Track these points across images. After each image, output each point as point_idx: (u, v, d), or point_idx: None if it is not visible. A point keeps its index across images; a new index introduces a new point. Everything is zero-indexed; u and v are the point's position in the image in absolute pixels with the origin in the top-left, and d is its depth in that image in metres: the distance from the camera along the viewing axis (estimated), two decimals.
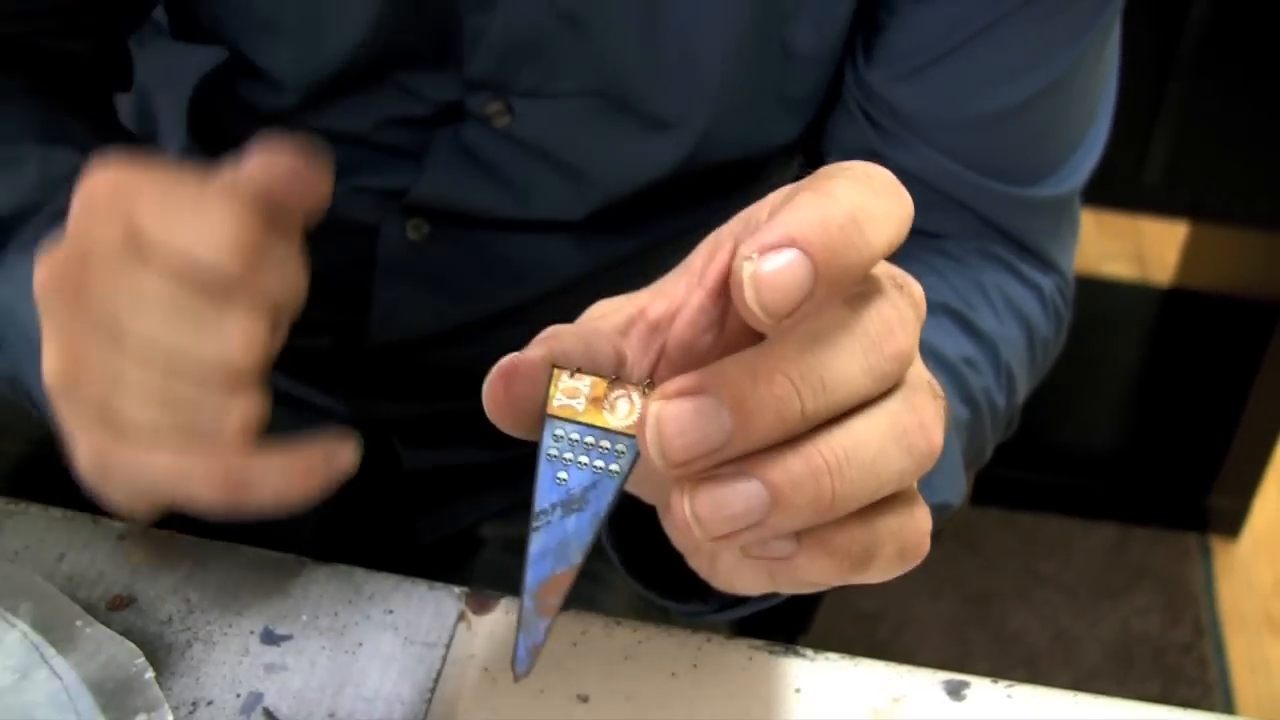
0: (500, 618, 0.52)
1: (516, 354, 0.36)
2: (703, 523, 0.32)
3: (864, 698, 0.51)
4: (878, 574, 0.35)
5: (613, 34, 0.59)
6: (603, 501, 0.34)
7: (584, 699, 0.50)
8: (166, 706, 0.46)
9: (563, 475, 0.34)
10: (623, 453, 0.34)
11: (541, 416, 0.34)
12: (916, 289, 0.35)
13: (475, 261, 0.68)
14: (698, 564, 0.41)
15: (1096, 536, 1.73)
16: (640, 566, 0.49)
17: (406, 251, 0.67)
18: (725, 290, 0.35)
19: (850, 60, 0.62)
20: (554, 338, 0.36)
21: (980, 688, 0.52)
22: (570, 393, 0.34)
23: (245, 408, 0.37)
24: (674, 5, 0.58)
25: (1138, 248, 2.07)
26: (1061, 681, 0.52)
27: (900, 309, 0.33)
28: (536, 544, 0.34)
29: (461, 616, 0.52)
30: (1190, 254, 1.94)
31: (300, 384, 0.68)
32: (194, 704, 0.49)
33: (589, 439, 0.34)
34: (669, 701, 0.50)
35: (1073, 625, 1.63)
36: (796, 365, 0.31)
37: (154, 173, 0.37)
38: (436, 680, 0.50)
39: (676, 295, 0.38)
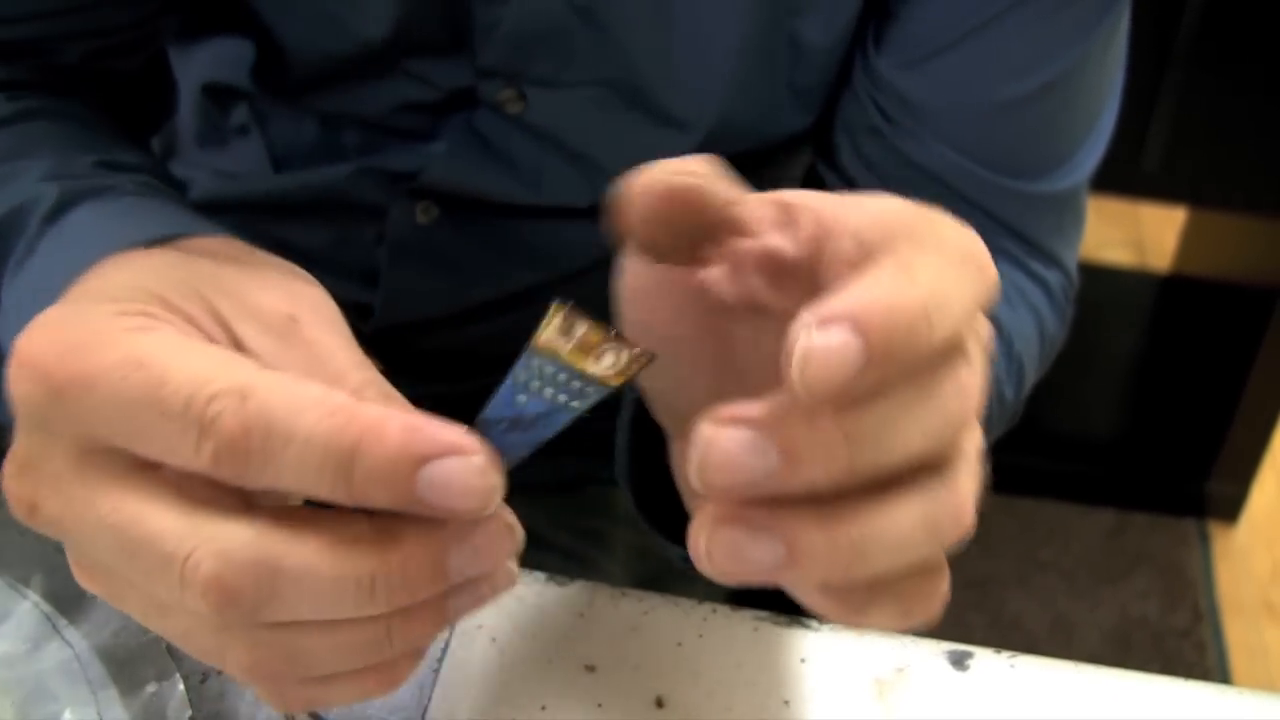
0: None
1: (668, 171, 0.36)
2: (713, 561, 0.31)
3: (868, 668, 0.51)
4: (875, 623, 0.34)
5: (624, 26, 0.59)
6: (550, 430, 0.34)
7: (590, 669, 0.50)
8: (178, 675, 0.46)
9: (522, 399, 0.33)
10: (589, 395, 0.33)
11: (525, 345, 0.34)
12: (986, 331, 0.34)
13: (484, 246, 0.68)
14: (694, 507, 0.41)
15: (1095, 522, 1.74)
16: (651, 509, 0.49)
17: (415, 234, 0.67)
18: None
19: (860, 48, 0.62)
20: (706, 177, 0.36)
21: (983, 658, 0.52)
22: (563, 329, 0.33)
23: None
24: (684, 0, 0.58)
25: (1136, 234, 2.08)
26: None
27: (975, 369, 0.32)
28: None
29: None
30: (1188, 240, 1.94)
31: None
32: (204, 674, 0.49)
33: (561, 377, 0.33)
34: (675, 671, 0.50)
35: (1071, 610, 1.64)
36: (856, 421, 0.30)
37: (103, 342, 0.32)
38: (444, 650, 0.51)
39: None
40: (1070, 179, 0.65)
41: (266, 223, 0.71)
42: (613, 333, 0.34)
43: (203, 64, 0.68)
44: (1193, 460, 1.72)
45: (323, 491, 0.31)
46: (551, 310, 0.34)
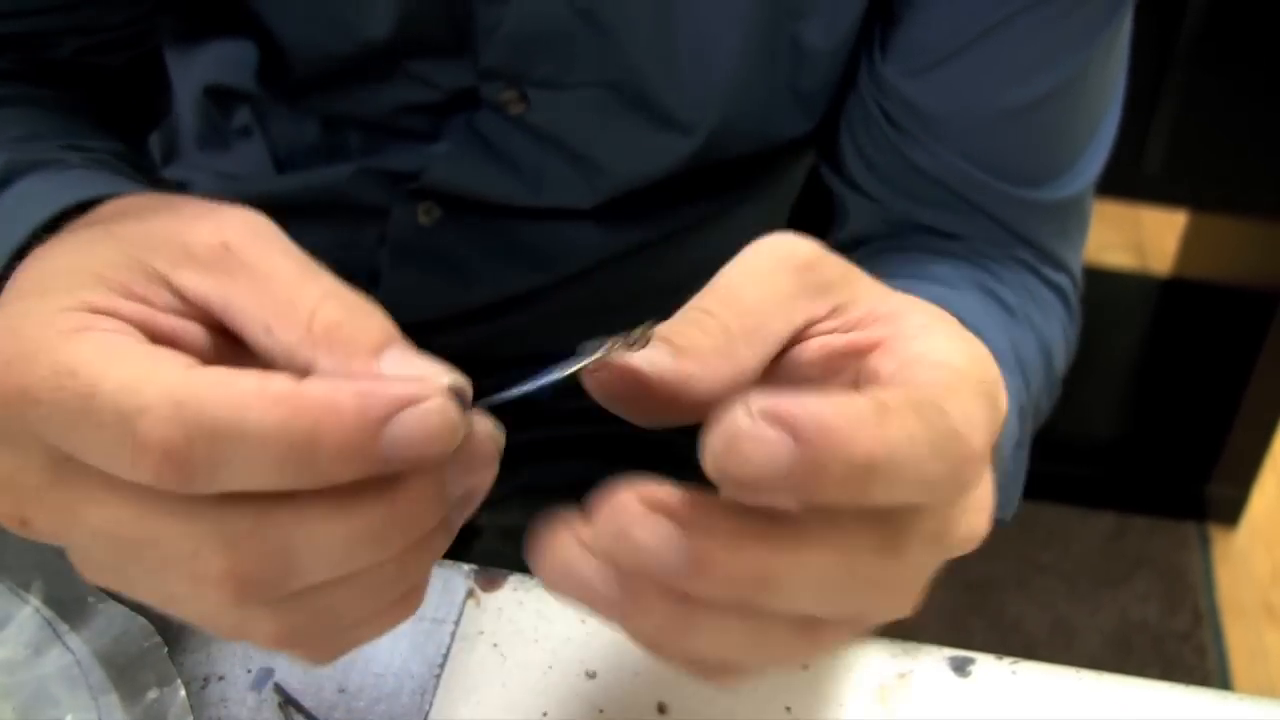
0: (509, 595, 0.53)
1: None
2: (551, 573, 0.32)
3: (871, 674, 0.51)
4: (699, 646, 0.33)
5: (626, 29, 0.59)
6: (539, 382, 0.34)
7: (592, 675, 0.50)
8: (179, 681, 0.46)
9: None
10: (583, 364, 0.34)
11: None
12: (969, 529, 0.34)
13: (485, 247, 0.69)
14: None
15: (1095, 525, 1.74)
16: None
17: (417, 235, 0.67)
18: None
19: (866, 55, 0.62)
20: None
21: (985, 665, 0.52)
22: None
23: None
24: (686, 2, 0.58)
25: (1137, 237, 2.08)
26: None
27: (921, 559, 0.32)
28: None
29: (470, 593, 0.53)
30: (1189, 244, 1.94)
31: None
32: (205, 679, 0.49)
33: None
34: (677, 678, 0.50)
35: (1072, 613, 1.64)
36: (774, 564, 0.30)
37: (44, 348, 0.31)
38: (446, 656, 0.51)
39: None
40: (1075, 185, 0.65)
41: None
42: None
43: (204, 66, 0.68)
44: (1193, 463, 1.72)
45: (286, 483, 0.30)
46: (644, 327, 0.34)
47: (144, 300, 0.34)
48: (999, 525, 0.52)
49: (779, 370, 0.36)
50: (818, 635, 0.32)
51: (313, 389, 0.30)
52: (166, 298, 0.34)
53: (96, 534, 0.31)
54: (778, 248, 0.36)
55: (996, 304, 0.61)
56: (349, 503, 0.31)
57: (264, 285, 0.34)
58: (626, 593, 0.31)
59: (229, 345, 0.34)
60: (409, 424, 0.30)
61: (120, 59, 0.62)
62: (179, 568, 0.31)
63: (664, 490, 0.30)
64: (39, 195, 0.45)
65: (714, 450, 0.28)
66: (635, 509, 0.30)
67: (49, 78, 0.58)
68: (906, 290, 0.47)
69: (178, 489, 0.30)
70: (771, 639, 0.32)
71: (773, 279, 0.35)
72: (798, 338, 0.36)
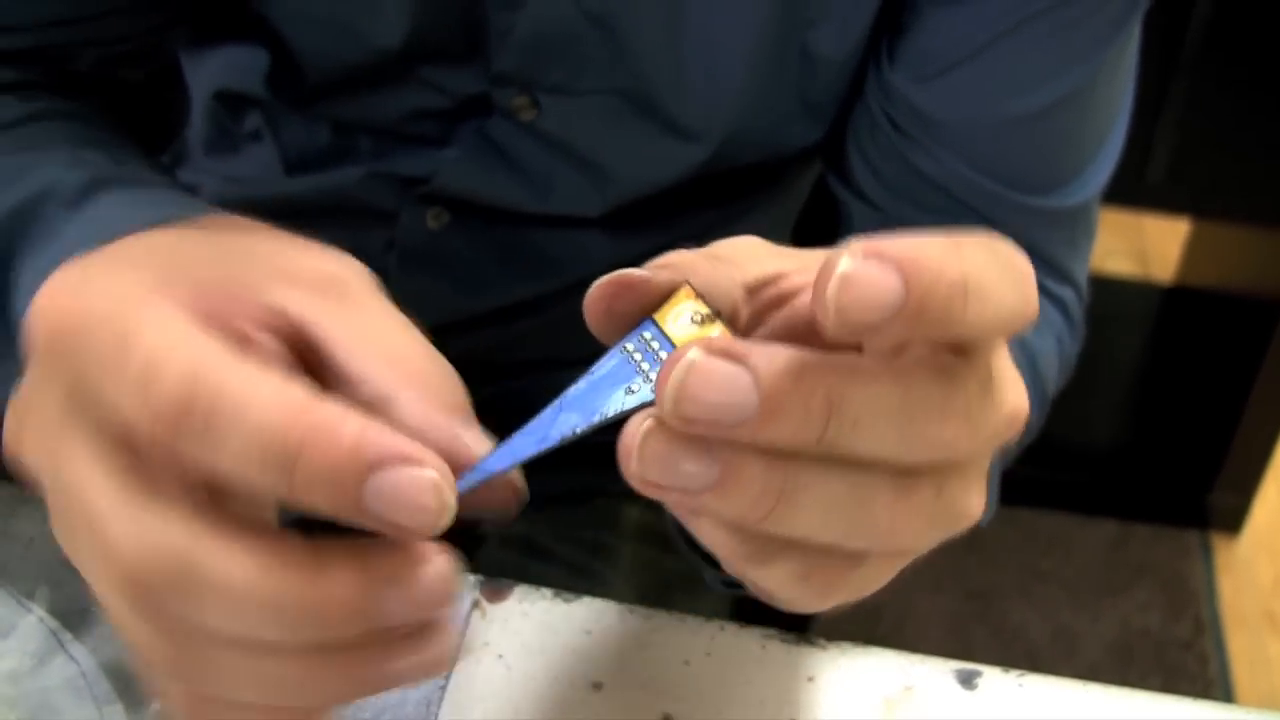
0: (514, 606, 0.53)
1: (637, 271, 0.34)
2: (642, 462, 0.30)
3: (876, 687, 0.51)
4: (766, 581, 0.33)
5: (637, 36, 0.59)
6: (604, 399, 0.33)
7: (597, 686, 0.50)
8: None
9: (634, 386, 0.33)
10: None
11: (640, 318, 0.34)
12: (1012, 402, 0.33)
13: (494, 253, 0.68)
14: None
15: (1097, 533, 1.74)
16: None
17: (426, 240, 0.67)
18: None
19: (874, 62, 0.62)
20: (681, 269, 0.35)
21: (991, 677, 0.52)
22: (684, 312, 0.33)
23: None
24: (697, 10, 0.58)
25: (1140, 245, 2.08)
26: (1063, 676, 0.53)
27: (971, 409, 0.31)
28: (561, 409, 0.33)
29: (476, 605, 0.53)
30: (1192, 251, 1.94)
31: None
32: None
33: (663, 354, 0.33)
34: (682, 690, 0.50)
35: (1073, 621, 1.64)
36: (843, 392, 0.29)
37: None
38: (451, 668, 0.50)
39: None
40: (1082, 194, 0.65)
41: (275, 226, 0.72)
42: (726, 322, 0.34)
43: (215, 71, 0.68)
44: (1195, 471, 1.72)
45: (263, 482, 0.30)
46: (681, 292, 0.34)
47: (231, 300, 0.35)
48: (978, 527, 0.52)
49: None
50: (913, 497, 0.32)
51: (324, 409, 0.30)
52: (255, 309, 0.35)
53: (57, 481, 0.32)
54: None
55: None
56: (272, 562, 0.30)
57: (366, 317, 0.35)
58: (716, 465, 0.30)
59: (305, 368, 0.35)
60: (399, 480, 0.30)
61: (140, 71, 0.62)
62: (94, 541, 0.31)
63: (726, 340, 0.30)
64: (133, 209, 0.46)
65: (828, 296, 0.28)
66: (698, 356, 0.29)
67: (71, 90, 0.58)
68: None
69: (169, 447, 0.30)
70: (871, 500, 0.31)
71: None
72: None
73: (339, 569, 0.31)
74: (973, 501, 0.33)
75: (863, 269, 0.28)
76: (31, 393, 0.34)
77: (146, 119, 0.64)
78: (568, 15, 0.58)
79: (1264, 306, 1.61)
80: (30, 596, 0.49)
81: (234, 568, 0.30)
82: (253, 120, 0.69)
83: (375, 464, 0.30)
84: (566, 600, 0.53)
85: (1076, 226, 0.66)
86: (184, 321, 0.32)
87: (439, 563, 0.31)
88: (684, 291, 0.34)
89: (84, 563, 0.33)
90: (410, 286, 0.70)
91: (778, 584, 0.33)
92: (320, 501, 0.30)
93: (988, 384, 0.32)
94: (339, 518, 0.30)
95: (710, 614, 0.53)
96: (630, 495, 0.80)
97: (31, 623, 0.48)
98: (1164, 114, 1.44)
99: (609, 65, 0.60)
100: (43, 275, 0.44)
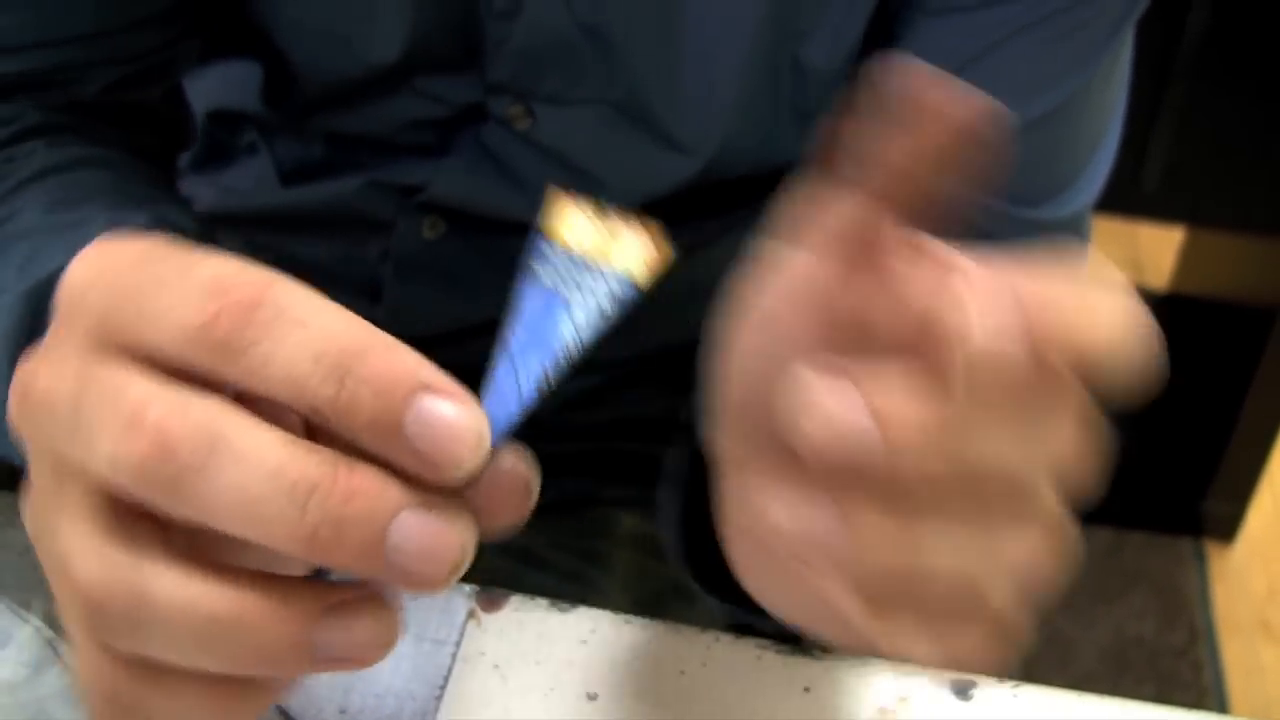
0: (510, 615, 0.53)
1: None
2: (769, 513, 0.30)
3: (872, 697, 0.51)
4: (901, 643, 0.32)
5: (630, 46, 0.59)
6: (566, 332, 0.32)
7: (593, 697, 0.50)
8: None
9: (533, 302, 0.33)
10: (615, 296, 0.32)
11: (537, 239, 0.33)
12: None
13: (490, 262, 0.69)
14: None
15: (1091, 540, 1.74)
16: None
17: (422, 249, 0.67)
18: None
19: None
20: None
21: (986, 687, 0.52)
22: (574, 220, 0.33)
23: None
24: (691, 23, 0.58)
25: (1134, 253, 2.08)
26: (1057, 684, 0.53)
27: (1078, 422, 0.32)
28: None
29: (471, 614, 0.53)
30: (1186, 260, 1.95)
31: None
32: None
33: (583, 272, 0.32)
34: (678, 700, 0.50)
35: (1068, 628, 1.64)
36: (969, 411, 0.29)
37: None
38: (447, 677, 0.50)
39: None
40: (1075, 203, 0.65)
41: (271, 236, 0.72)
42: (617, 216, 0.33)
43: (209, 89, 0.68)
44: (1190, 479, 1.72)
45: (311, 384, 0.29)
46: (556, 199, 0.33)
47: None
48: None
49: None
50: (1028, 505, 0.32)
51: (387, 335, 0.30)
52: None
53: (78, 385, 0.31)
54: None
55: None
56: (298, 447, 0.30)
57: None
58: (837, 512, 0.30)
59: None
60: (445, 409, 0.30)
61: (151, 92, 0.62)
62: (118, 411, 0.30)
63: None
64: None
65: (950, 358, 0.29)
66: (809, 376, 0.29)
67: (97, 127, 0.58)
68: None
69: (226, 349, 0.29)
70: (992, 511, 0.31)
71: None
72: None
73: (284, 595, 0.30)
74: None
75: (986, 296, 0.29)
76: (52, 340, 0.32)
77: (162, 146, 0.64)
78: (562, 26, 0.58)
79: (1258, 314, 1.62)
80: (26, 607, 0.49)
81: (179, 580, 0.30)
82: (248, 135, 0.69)
83: (428, 386, 0.29)
84: (562, 610, 0.53)
85: (1072, 236, 0.67)
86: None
87: (387, 614, 0.31)
88: (561, 200, 0.33)
89: (52, 575, 0.32)
90: (405, 297, 0.70)
91: (911, 647, 0.32)
92: (364, 410, 0.29)
93: (1082, 408, 0.32)
94: (374, 442, 0.30)
95: (706, 624, 0.53)
96: (625, 504, 0.80)
97: (28, 633, 0.48)
98: (1158, 122, 1.44)
99: (603, 76, 0.60)
100: None
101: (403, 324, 0.71)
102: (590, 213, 0.33)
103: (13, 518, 0.54)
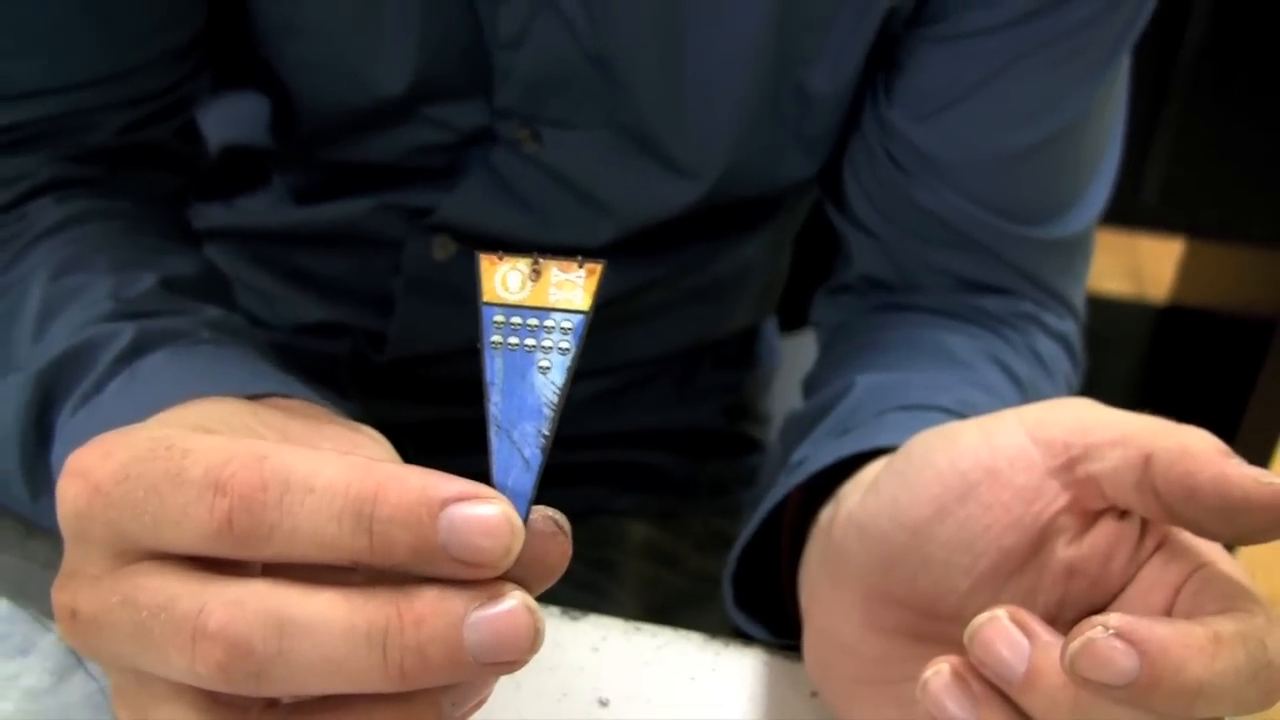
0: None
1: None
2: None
3: None
4: None
5: (635, 76, 0.60)
6: (534, 389, 0.33)
7: (604, 703, 0.51)
8: None
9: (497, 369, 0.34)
10: (568, 329, 0.33)
11: (478, 307, 0.34)
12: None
13: None
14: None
15: None
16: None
17: (431, 270, 0.68)
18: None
19: (871, 98, 0.63)
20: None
21: None
22: (506, 277, 0.34)
23: None
24: (694, 51, 0.59)
25: (1134, 265, 2.09)
26: None
27: None
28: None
29: None
30: (1186, 271, 1.95)
31: (316, 385, 0.70)
32: None
33: (531, 321, 0.33)
34: (688, 706, 0.51)
35: None
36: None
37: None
38: None
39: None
40: (1078, 222, 0.65)
41: (282, 251, 0.72)
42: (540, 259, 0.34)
43: (218, 124, 0.69)
44: None
45: (342, 541, 0.30)
46: (483, 263, 0.34)
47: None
48: None
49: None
50: None
51: (385, 466, 0.31)
52: None
53: (124, 605, 0.32)
54: None
55: (1009, 378, 0.61)
56: (359, 597, 0.31)
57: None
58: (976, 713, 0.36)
59: None
60: (469, 511, 0.31)
61: (162, 132, 0.61)
62: (184, 627, 0.31)
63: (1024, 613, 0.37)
64: (179, 377, 0.46)
65: (1071, 650, 0.33)
66: (1002, 624, 0.36)
67: (94, 173, 0.58)
68: (931, 383, 0.55)
69: (246, 539, 0.31)
70: None
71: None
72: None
73: (426, 595, 0.31)
74: None
75: (1106, 643, 0.33)
76: (75, 560, 0.33)
77: (172, 179, 0.63)
78: (567, 55, 0.59)
79: (1257, 325, 1.62)
80: (49, 615, 0.49)
81: (325, 606, 0.31)
82: (258, 166, 0.70)
83: (446, 499, 0.31)
84: (574, 618, 0.54)
85: (1075, 254, 0.67)
86: (226, 436, 0.33)
87: (524, 600, 0.32)
88: (484, 260, 0.34)
89: (162, 658, 0.32)
90: (415, 315, 0.71)
91: None
92: (400, 546, 0.31)
93: None
94: (417, 567, 0.31)
95: (715, 631, 0.54)
96: (635, 513, 0.81)
97: (51, 641, 0.49)
98: (1157, 136, 1.45)
99: (608, 103, 0.61)
100: (81, 434, 0.43)
101: (413, 341, 0.72)
102: (514, 264, 0.34)
103: (32, 529, 0.55)
